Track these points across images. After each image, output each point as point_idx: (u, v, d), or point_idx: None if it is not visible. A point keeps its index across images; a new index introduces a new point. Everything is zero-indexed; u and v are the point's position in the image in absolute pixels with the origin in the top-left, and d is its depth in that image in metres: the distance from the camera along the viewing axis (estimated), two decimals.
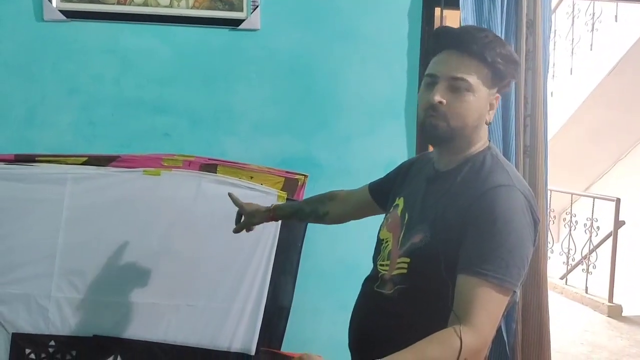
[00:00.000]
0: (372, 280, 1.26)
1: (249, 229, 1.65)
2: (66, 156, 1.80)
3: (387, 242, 1.26)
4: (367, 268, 1.36)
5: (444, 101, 1.12)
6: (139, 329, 1.82)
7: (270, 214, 1.61)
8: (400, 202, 1.27)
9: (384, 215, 1.36)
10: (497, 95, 1.18)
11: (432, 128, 1.14)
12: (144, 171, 1.81)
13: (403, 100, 2.08)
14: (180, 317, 1.84)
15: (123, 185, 1.80)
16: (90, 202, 1.79)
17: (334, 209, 1.55)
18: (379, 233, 1.32)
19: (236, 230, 1.65)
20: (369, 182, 1.50)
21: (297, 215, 1.62)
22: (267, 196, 1.86)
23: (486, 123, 1.17)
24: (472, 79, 1.12)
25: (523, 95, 2.03)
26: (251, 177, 1.90)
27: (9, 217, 1.76)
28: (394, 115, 2.08)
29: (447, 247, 1.08)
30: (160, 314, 1.83)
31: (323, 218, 1.55)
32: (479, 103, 1.13)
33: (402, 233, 1.21)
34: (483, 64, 1.12)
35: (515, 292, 1.05)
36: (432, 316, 1.03)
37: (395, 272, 1.18)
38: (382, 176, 1.47)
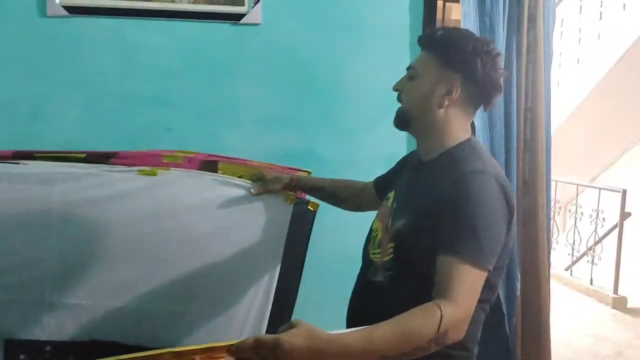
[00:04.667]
0: (365, 270, 1.32)
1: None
2: (66, 153, 1.68)
3: (377, 231, 1.33)
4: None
5: (399, 89, 1.29)
6: (139, 334, 1.71)
7: (292, 182, 1.64)
8: (391, 194, 1.36)
9: None
10: (456, 81, 1.21)
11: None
12: (138, 171, 1.64)
13: None
14: (181, 323, 1.74)
15: (116, 186, 1.64)
16: (80, 204, 1.62)
17: (352, 198, 1.64)
18: (371, 226, 1.39)
19: (256, 193, 1.65)
20: (372, 177, 1.56)
21: (318, 191, 1.67)
22: (272, 196, 1.74)
23: (439, 107, 1.23)
24: (420, 66, 1.26)
25: (524, 88, 2.02)
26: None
27: None
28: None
29: (426, 231, 1.14)
30: (159, 319, 1.71)
31: (344, 202, 1.65)
32: (424, 86, 1.24)
33: (389, 221, 1.28)
34: (431, 53, 1.24)
35: (490, 270, 1.09)
36: (422, 300, 1.05)
37: (386, 258, 1.24)
38: (385, 171, 1.52)
